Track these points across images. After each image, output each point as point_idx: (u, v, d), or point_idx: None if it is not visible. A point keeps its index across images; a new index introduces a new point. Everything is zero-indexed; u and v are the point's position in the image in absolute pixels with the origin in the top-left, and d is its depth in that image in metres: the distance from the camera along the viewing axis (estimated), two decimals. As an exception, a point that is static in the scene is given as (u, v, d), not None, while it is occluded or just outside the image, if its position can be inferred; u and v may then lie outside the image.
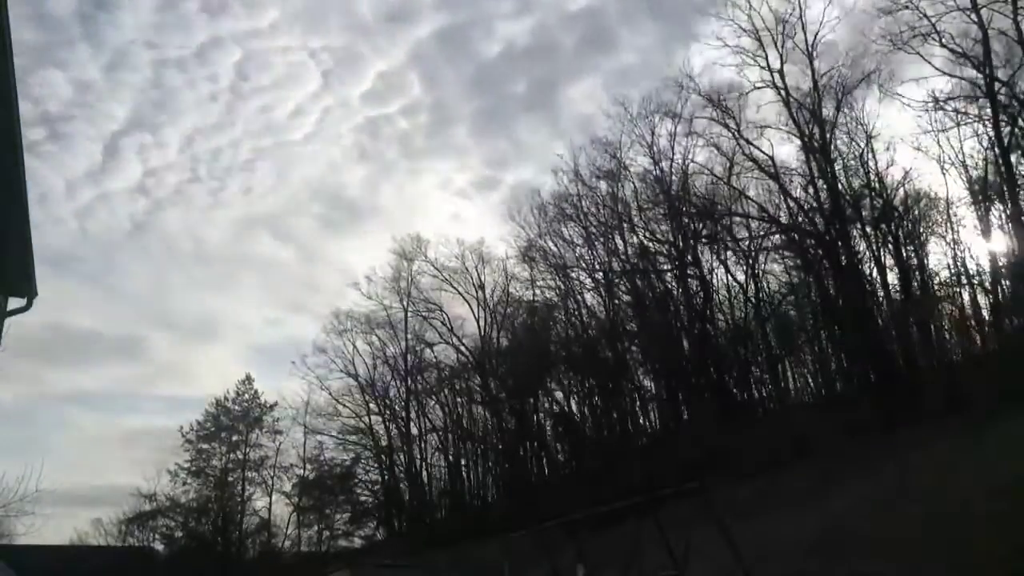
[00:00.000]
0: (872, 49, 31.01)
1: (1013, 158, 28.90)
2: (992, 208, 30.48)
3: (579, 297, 41.81)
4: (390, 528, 48.78)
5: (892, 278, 32.97)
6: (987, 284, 31.76)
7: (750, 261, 35.40)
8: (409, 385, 47.94)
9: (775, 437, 28.53)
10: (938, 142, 31.56)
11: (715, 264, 36.82)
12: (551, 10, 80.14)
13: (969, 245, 32.30)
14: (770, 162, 33.63)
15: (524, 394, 42.59)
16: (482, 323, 46.35)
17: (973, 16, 27.86)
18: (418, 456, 48.01)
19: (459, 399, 47.70)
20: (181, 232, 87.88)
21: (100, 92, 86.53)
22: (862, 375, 31.51)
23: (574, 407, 43.35)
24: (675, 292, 37.13)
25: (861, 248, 33.02)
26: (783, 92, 32.78)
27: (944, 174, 32.36)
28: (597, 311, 41.22)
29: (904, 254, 32.58)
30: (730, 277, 36.58)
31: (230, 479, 52.41)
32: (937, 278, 32.92)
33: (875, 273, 33.04)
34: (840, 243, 31.17)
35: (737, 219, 35.95)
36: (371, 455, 49.71)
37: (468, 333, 47.03)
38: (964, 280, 32.64)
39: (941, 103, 29.16)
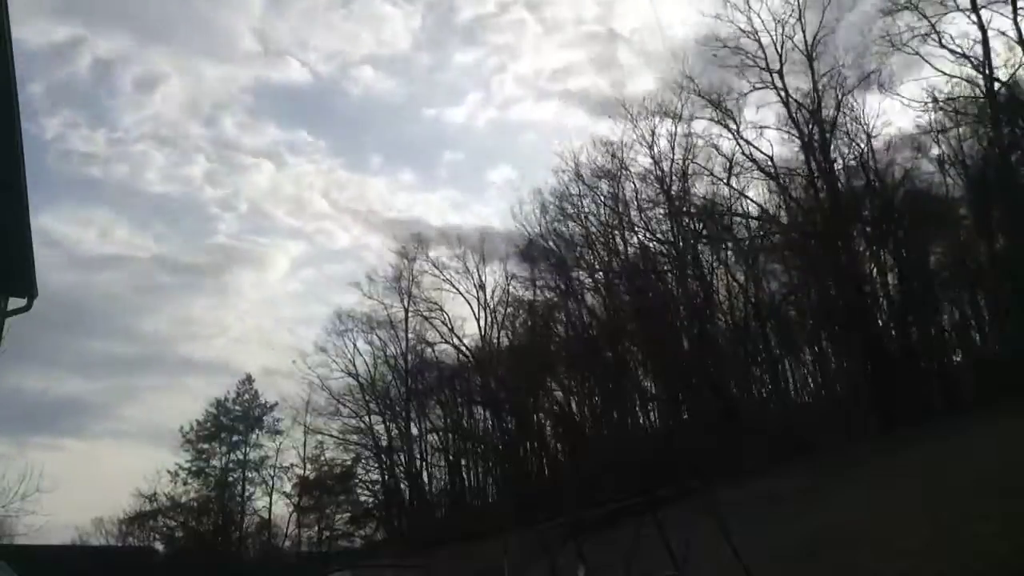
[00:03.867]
0: (872, 49, 31.12)
1: (1013, 158, 28.95)
2: (992, 208, 30.45)
3: (579, 297, 41.85)
4: (390, 528, 48.77)
5: (892, 278, 33.03)
6: (987, 284, 31.77)
7: (750, 261, 35.40)
8: (409, 385, 47.95)
9: (775, 437, 28.56)
10: (938, 142, 31.64)
11: (715, 264, 36.86)
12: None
13: (969, 245, 32.32)
14: (770, 162, 33.73)
15: (524, 394, 42.59)
16: (482, 323, 46.46)
17: (973, 17, 27.99)
18: (418, 456, 48.07)
19: (459, 399, 47.72)
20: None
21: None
22: (862, 375, 31.53)
23: (574, 407, 43.39)
24: (675, 292, 37.13)
25: (861, 248, 33.07)
26: (783, 93, 32.89)
27: (944, 174, 32.44)
28: (597, 311, 41.26)
29: (904, 254, 32.60)
30: (730, 277, 36.58)
31: (230, 479, 52.41)
32: (937, 278, 32.97)
33: (875, 273, 33.10)
34: (840, 243, 31.19)
35: (737, 219, 36.04)
36: (371, 455, 49.75)
37: (468, 333, 47.18)
38: (964, 280, 32.66)
39: (941, 103, 29.28)
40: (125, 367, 75.15)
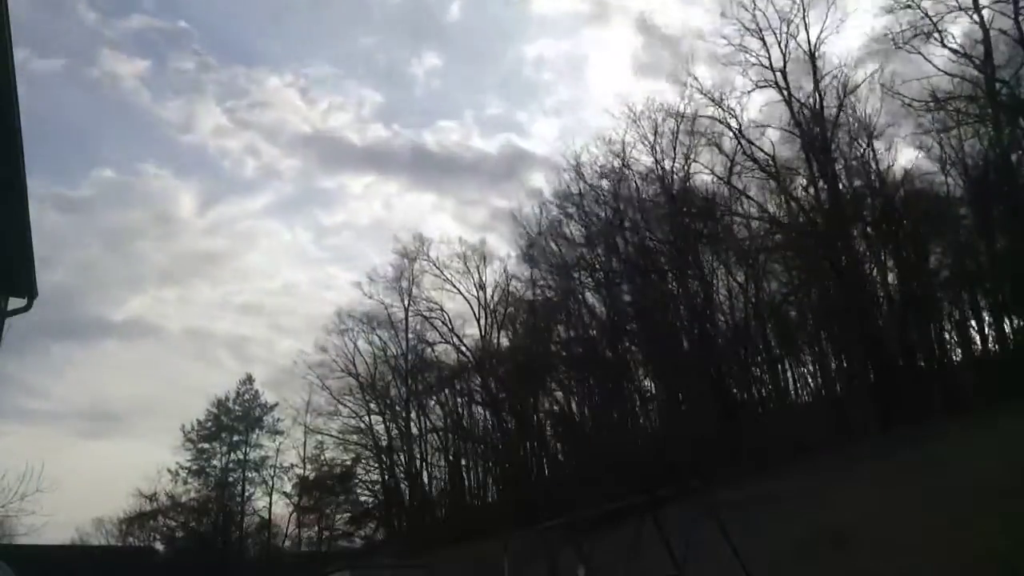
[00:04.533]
0: (874, 49, 31.11)
1: (1013, 158, 28.92)
2: (992, 208, 30.44)
3: (580, 297, 41.83)
4: (390, 528, 48.77)
5: (892, 278, 33.02)
6: (987, 284, 31.75)
7: (750, 261, 35.37)
8: (409, 385, 47.94)
9: (775, 437, 28.54)
10: (939, 142, 31.60)
11: (715, 264, 36.82)
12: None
13: (969, 245, 32.29)
14: (771, 162, 33.67)
15: (524, 394, 42.58)
16: (483, 323, 46.45)
17: (974, 16, 27.95)
18: (418, 456, 48.04)
19: (459, 399, 47.75)
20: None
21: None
22: (861, 375, 31.51)
23: (574, 407, 43.37)
24: (676, 292, 37.11)
25: (861, 248, 33.05)
26: (785, 92, 32.87)
27: (945, 174, 32.41)
28: (597, 311, 41.26)
29: (904, 254, 32.59)
30: (730, 277, 36.56)
31: (230, 479, 52.49)
32: (937, 278, 32.94)
33: (875, 273, 33.09)
34: (840, 243, 31.17)
35: (738, 219, 35.98)
36: (371, 455, 49.75)
37: (468, 333, 47.19)
38: (964, 280, 32.64)
39: (942, 103, 29.18)
40: (29, 328, 68.12)
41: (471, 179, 79.48)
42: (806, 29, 32.68)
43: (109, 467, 67.60)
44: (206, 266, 79.14)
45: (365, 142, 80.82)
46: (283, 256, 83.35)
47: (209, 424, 53.14)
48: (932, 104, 29.33)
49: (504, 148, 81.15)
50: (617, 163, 38.76)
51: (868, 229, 33.16)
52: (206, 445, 52.70)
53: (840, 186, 32.78)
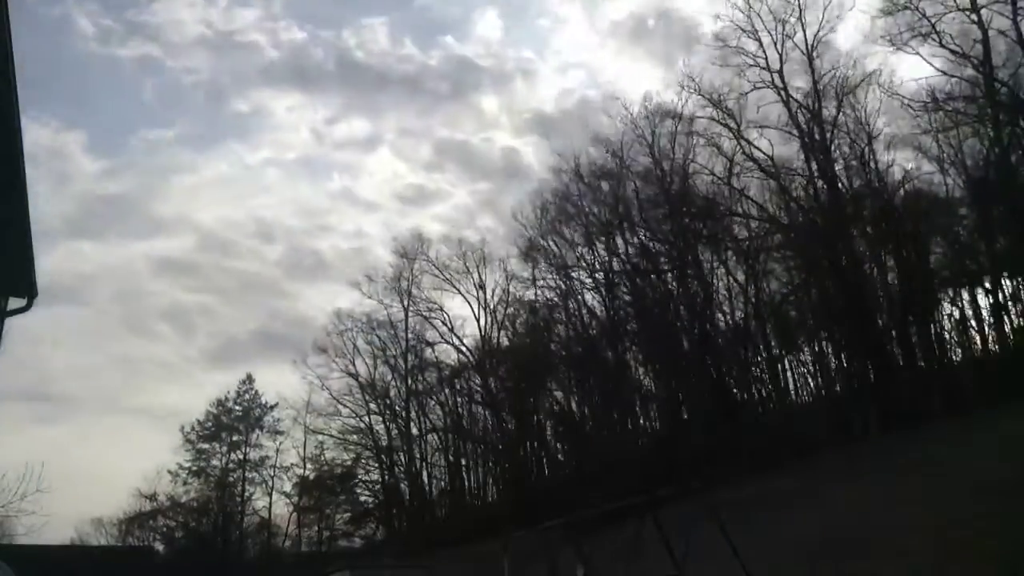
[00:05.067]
0: (872, 49, 31.18)
1: (1013, 158, 28.93)
2: (992, 208, 30.44)
3: (579, 297, 41.87)
4: (390, 528, 48.80)
5: (892, 278, 33.02)
6: (987, 284, 31.76)
7: (750, 261, 35.39)
8: (409, 385, 47.96)
9: (775, 437, 28.55)
10: (938, 142, 31.61)
11: (715, 264, 36.85)
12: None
13: (969, 245, 32.30)
14: (770, 162, 33.71)
15: (524, 394, 42.59)
16: (482, 323, 46.44)
17: (973, 16, 27.96)
18: (418, 456, 48.04)
19: (459, 399, 47.76)
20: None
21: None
22: (861, 375, 31.51)
23: (574, 407, 43.39)
24: (675, 292, 37.12)
25: (861, 248, 33.06)
26: (783, 92, 32.90)
27: (944, 174, 32.43)
28: (597, 311, 41.27)
29: (904, 254, 32.59)
30: (730, 277, 36.58)
31: (230, 479, 52.53)
32: (937, 278, 32.94)
33: (875, 273, 33.09)
34: (840, 243, 31.19)
35: (737, 219, 36.00)
36: (371, 455, 49.77)
37: (468, 333, 47.20)
38: (964, 280, 32.64)
39: (941, 103, 29.25)
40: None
41: (410, 101, 71.28)
42: (803, 29, 32.76)
43: (73, 460, 59.75)
44: (116, 214, 69.39)
45: (280, 48, 70.71)
46: (206, 201, 73.64)
47: (209, 424, 53.25)
48: (931, 104, 29.40)
49: (445, 59, 72.08)
50: (616, 164, 38.85)
51: (868, 229, 33.17)
52: (206, 445, 52.82)
53: (840, 186, 32.82)
